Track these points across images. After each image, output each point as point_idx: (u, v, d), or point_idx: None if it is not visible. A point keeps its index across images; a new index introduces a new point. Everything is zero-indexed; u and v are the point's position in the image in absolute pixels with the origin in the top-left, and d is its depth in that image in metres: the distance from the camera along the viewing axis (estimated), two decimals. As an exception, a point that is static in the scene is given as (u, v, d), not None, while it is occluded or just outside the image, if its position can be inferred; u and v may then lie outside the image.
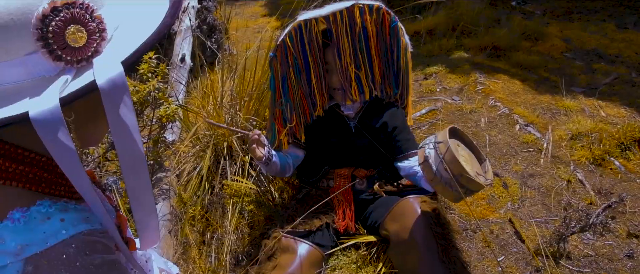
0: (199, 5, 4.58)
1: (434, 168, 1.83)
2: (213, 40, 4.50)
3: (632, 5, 5.53)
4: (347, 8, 2.03)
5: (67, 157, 0.72)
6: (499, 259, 2.36)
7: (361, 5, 2.04)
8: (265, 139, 2.09)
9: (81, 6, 0.73)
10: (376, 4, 2.06)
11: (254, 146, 2.04)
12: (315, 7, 2.19)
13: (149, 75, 2.60)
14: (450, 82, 3.95)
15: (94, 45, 0.75)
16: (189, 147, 2.97)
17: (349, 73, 2.13)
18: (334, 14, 2.03)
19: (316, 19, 2.05)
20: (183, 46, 4.00)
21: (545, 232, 2.48)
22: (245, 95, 2.97)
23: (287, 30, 2.08)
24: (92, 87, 0.71)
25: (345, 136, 2.26)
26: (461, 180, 1.79)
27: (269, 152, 2.11)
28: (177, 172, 2.85)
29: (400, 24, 2.13)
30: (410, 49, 2.21)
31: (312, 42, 2.08)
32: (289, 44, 2.08)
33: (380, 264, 2.23)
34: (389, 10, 2.09)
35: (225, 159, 2.76)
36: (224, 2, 5.11)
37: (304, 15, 2.05)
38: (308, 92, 2.18)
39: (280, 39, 2.09)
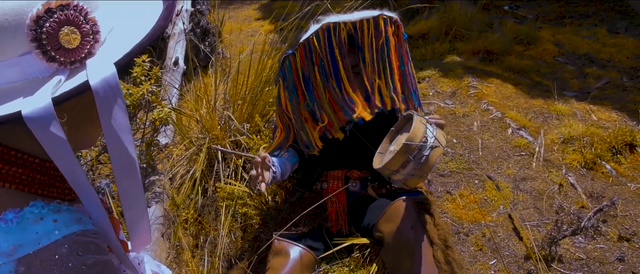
0: (193, 9, 4.59)
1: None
2: (206, 43, 4.50)
3: (623, 10, 5.57)
4: (373, 17, 2.00)
5: (61, 152, 0.73)
6: (491, 263, 2.37)
7: (385, 17, 2.01)
8: (271, 159, 2.03)
9: (75, 8, 0.74)
10: (395, 16, 2.04)
11: (259, 170, 1.95)
12: (313, 11, 2.18)
13: (142, 78, 2.60)
14: (443, 86, 3.97)
15: (88, 47, 0.76)
16: (182, 151, 2.97)
17: (373, 82, 2.09)
18: (361, 21, 1.99)
19: (344, 23, 2.00)
20: (176, 49, 4.00)
21: (537, 235, 2.49)
22: (239, 98, 2.98)
23: (314, 29, 2.01)
24: (85, 87, 0.72)
25: (340, 139, 2.26)
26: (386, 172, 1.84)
27: (274, 172, 2.04)
28: (170, 176, 2.85)
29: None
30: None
31: (341, 47, 2.02)
32: (316, 44, 2.02)
33: (374, 267, 2.24)
34: (400, 23, 2.08)
35: (218, 162, 2.76)
36: (218, 6, 5.11)
37: (333, 18, 2.00)
38: (340, 95, 2.08)
39: (304, 37, 2.03)
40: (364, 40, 2.02)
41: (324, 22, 1.99)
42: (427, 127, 1.80)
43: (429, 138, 1.77)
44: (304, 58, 2.05)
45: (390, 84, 2.11)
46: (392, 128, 2.02)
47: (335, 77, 2.06)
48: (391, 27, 2.03)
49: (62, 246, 0.74)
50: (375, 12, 2.01)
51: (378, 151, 2.02)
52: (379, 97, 2.11)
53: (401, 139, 1.93)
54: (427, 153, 1.76)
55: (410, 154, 1.75)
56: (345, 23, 1.99)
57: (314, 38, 2.00)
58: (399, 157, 1.77)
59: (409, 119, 1.94)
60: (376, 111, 2.12)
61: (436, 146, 1.78)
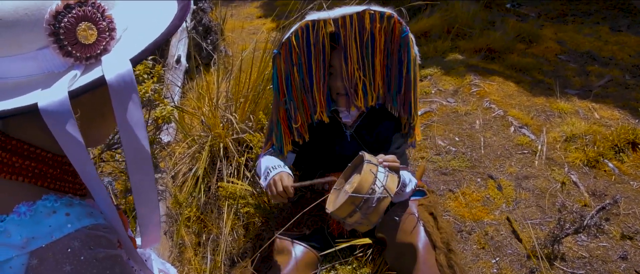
0: (195, 7, 4.58)
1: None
2: (208, 41, 4.49)
3: (625, 8, 5.57)
4: (357, 13, 1.95)
5: (75, 148, 0.74)
6: (493, 261, 2.37)
7: (372, 12, 1.96)
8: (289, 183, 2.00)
9: (93, 5, 0.75)
10: (388, 12, 1.98)
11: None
12: (315, 9, 2.15)
13: (145, 76, 2.60)
14: (445, 84, 3.97)
15: (103, 43, 0.77)
16: (185, 149, 2.97)
17: (355, 79, 2.06)
18: (343, 17, 1.95)
19: (325, 20, 1.96)
20: (179, 47, 3.99)
21: (540, 234, 2.49)
22: (241, 96, 2.98)
23: (294, 28, 1.99)
24: (100, 82, 0.73)
25: (341, 143, 2.26)
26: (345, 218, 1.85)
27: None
28: (173, 174, 2.85)
29: (411, 35, 2.05)
30: (418, 60, 2.13)
31: (318, 44, 1.99)
32: (294, 43, 1.99)
33: (376, 267, 2.24)
34: (401, 20, 2.01)
35: (220, 161, 2.76)
36: (220, 4, 5.11)
37: (313, 16, 1.96)
38: (310, 94, 2.10)
39: (285, 37, 2.01)
40: (346, 36, 1.98)
41: (305, 19, 1.97)
42: (376, 177, 1.78)
43: (377, 188, 1.76)
44: (285, 57, 2.04)
45: (371, 81, 2.09)
46: (349, 164, 2.00)
47: (309, 75, 2.06)
48: (380, 22, 1.98)
49: (74, 240, 0.75)
50: (360, 8, 1.96)
51: (334, 187, 2.02)
52: (362, 95, 2.09)
53: (354, 181, 1.91)
54: (373, 205, 1.76)
55: (356, 205, 1.76)
56: (325, 21, 1.96)
57: (293, 37, 1.99)
58: (345, 207, 1.78)
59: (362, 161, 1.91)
60: (354, 109, 2.14)
61: (384, 197, 1.77)
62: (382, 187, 1.77)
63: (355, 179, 1.91)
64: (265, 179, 2.08)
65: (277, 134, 2.21)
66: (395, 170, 1.90)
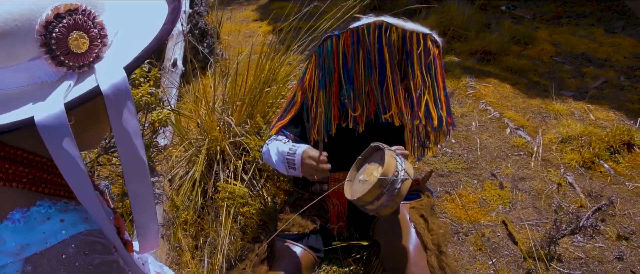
0: (191, 10, 4.58)
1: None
2: (205, 44, 4.49)
3: (620, 10, 5.59)
4: (423, 34, 1.95)
5: (71, 164, 0.73)
6: (490, 263, 2.37)
7: (433, 39, 1.97)
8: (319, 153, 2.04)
9: (84, 12, 0.74)
10: (440, 41, 2.01)
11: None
12: (311, 12, 2.14)
13: (141, 79, 2.60)
14: (441, 86, 3.97)
15: (96, 50, 0.76)
16: (182, 152, 2.97)
17: (421, 93, 2.02)
18: (411, 33, 1.94)
19: (397, 27, 1.94)
20: (175, 51, 3.99)
21: (536, 235, 2.50)
22: (237, 99, 2.98)
23: (366, 21, 1.95)
24: (96, 93, 0.72)
25: (349, 137, 2.22)
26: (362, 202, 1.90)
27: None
28: (170, 177, 2.85)
29: None
30: None
31: (391, 47, 1.95)
32: (366, 35, 1.95)
33: (373, 268, 2.24)
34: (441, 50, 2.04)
35: (217, 164, 2.76)
36: (216, 7, 5.11)
37: (388, 19, 1.95)
38: (380, 92, 2.01)
39: (355, 25, 1.96)
40: (413, 51, 1.97)
41: (379, 18, 1.95)
42: (397, 161, 1.86)
43: (400, 171, 1.85)
44: (349, 43, 1.98)
45: (438, 101, 2.06)
46: (359, 157, 2.04)
47: (381, 73, 1.99)
48: (436, 49, 2.00)
49: (69, 246, 0.75)
50: (426, 30, 1.97)
51: (347, 178, 2.05)
52: (424, 110, 2.04)
53: (370, 169, 1.97)
54: (399, 186, 1.84)
55: (384, 187, 1.83)
56: (397, 27, 1.94)
57: (365, 29, 1.95)
58: (373, 191, 1.84)
59: (377, 149, 1.98)
60: (417, 123, 2.06)
61: (406, 179, 1.85)
62: (404, 171, 1.86)
63: (372, 168, 1.97)
64: (290, 165, 2.08)
65: (328, 113, 2.12)
66: (406, 158, 1.98)
